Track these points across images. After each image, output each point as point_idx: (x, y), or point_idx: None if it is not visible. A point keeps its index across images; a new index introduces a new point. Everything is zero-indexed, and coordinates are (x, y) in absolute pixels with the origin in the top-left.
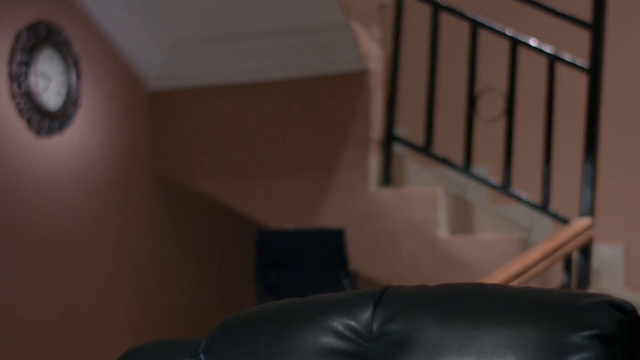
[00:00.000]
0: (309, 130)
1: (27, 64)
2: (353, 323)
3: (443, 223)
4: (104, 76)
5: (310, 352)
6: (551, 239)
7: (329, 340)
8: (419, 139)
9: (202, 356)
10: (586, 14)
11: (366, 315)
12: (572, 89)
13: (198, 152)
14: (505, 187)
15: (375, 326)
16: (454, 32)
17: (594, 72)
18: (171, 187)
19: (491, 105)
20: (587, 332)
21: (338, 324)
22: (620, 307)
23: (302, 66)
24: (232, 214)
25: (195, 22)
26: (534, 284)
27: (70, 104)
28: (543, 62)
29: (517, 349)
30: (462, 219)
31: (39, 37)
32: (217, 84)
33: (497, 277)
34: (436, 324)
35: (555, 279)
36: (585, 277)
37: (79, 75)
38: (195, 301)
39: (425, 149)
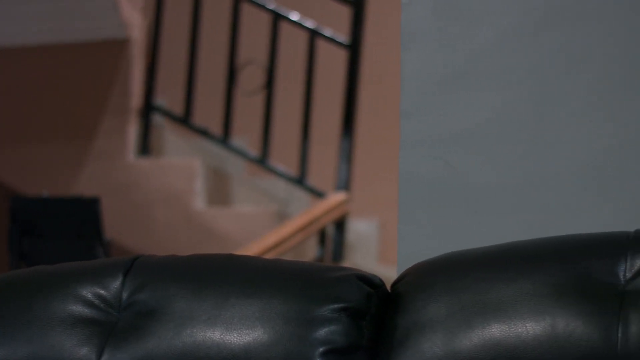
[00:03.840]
0: (68, 97)
1: None
2: (102, 292)
3: (200, 194)
4: None
5: (58, 320)
6: (306, 212)
7: (77, 309)
8: (179, 109)
9: None
10: None
11: (116, 284)
12: (332, 64)
13: None
14: (263, 160)
15: (124, 295)
16: (216, 3)
17: (354, 48)
18: None
19: (252, 78)
20: (335, 305)
21: (87, 292)
22: (368, 281)
23: (62, 32)
24: None
25: None
26: (289, 257)
27: None
28: (304, 36)
29: (265, 321)
30: (220, 191)
31: None
32: None
33: (252, 249)
34: (186, 294)
35: (311, 252)
36: (339, 251)
37: None
38: None
39: (185, 120)
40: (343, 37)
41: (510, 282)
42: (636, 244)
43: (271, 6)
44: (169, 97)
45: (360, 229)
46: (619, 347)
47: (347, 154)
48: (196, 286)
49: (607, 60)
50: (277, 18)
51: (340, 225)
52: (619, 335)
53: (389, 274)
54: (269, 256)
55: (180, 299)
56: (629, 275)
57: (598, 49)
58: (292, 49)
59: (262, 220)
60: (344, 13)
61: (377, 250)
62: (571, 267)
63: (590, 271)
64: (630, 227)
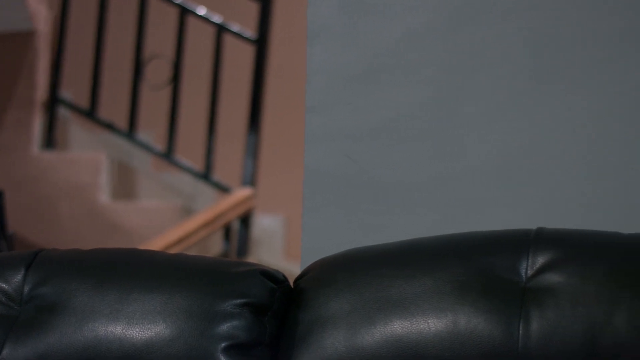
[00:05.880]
0: None
1: None
2: (4, 285)
3: (105, 188)
4: None
5: None
6: (212, 207)
7: None
8: (84, 102)
9: None
10: None
11: (17, 278)
12: (239, 59)
13: None
14: (168, 155)
15: (26, 289)
16: None
17: (260, 44)
18: None
19: (158, 72)
20: (237, 301)
21: None
22: (271, 277)
23: None
24: None
25: None
26: (193, 252)
27: None
28: (211, 31)
29: (167, 316)
30: (126, 185)
31: None
32: None
33: (157, 244)
34: (88, 288)
35: (216, 247)
36: (244, 246)
37: None
38: None
39: (90, 113)
40: (250, 32)
41: (413, 279)
42: (538, 241)
43: (178, 0)
44: (74, 90)
45: (265, 225)
46: (519, 344)
47: (253, 149)
48: (99, 280)
49: (518, 58)
50: (184, 12)
51: (245, 220)
52: (520, 332)
53: (294, 269)
54: (173, 251)
55: (83, 293)
56: (530, 272)
57: (509, 48)
58: (199, 43)
59: (167, 215)
60: (252, 8)
61: (282, 246)
62: (473, 263)
63: (492, 268)
64: (536, 225)
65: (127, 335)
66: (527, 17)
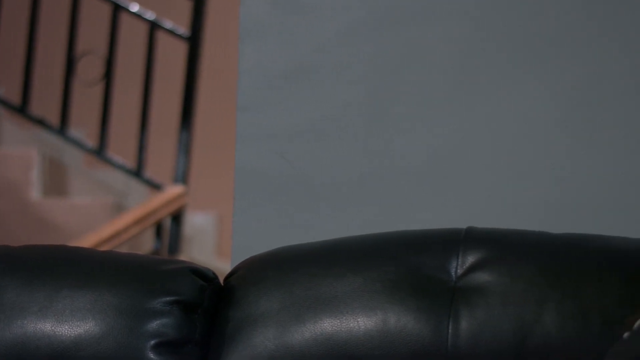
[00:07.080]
0: None
1: None
2: None
3: (36, 185)
4: None
5: None
6: (143, 205)
7: None
8: (16, 98)
9: None
10: None
11: None
12: (173, 56)
13: None
14: (100, 151)
15: None
16: None
17: (193, 41)
18: None
19: (91, 69)
20: (167, 298)
21: None
22: (201, 274)
23: None
24: None
25: None
26: (124, 250)
27: None
28: (144, 28)
29: (96, 313)
30: (57, 182)
31: None
32: None
33: (87, 241)
34: (17, 285)
35: (147, 245)
36: (175, 244)
37: None
38: None
39: (22, 109)
40: (183, 29)
41: (343, 277)
42: (468, 240)
43: None
44: (5, 85)
45: (197, 223)
46: (449, 343)
47: (185, 147)
48: (28, 277)
49: (447, 60)
50: (117, 9)
51: (177, 218)
52: (449, 331)
53: (226, 267)
54: (104, 248)
55: (11, 290)
56: (460, 271)
57: (438, 49)
58: (132, 40)
59: (99, 212)
60: (185, 5)
61: (215, 244)
62: (403, 262)
63: (422, 267)
64: (466, 224)
65: (56, 333)
66: (457, 18)
